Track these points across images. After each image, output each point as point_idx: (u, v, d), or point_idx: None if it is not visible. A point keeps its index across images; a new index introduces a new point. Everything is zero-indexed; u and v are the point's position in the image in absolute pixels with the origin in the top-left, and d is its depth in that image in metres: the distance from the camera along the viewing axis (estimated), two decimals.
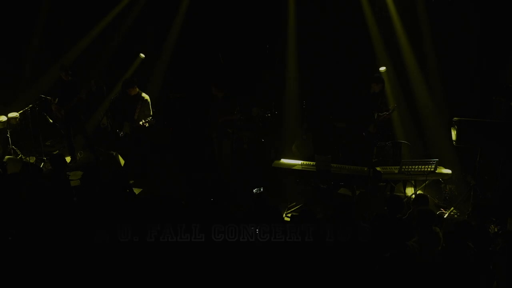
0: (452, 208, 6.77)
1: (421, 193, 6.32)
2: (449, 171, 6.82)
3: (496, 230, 5.60)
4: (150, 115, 7.79)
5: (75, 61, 9.26)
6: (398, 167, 6.70)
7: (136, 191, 6.97)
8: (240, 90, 8.92)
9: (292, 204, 6.87)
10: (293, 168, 7.12)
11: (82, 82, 8.40)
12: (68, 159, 8.07)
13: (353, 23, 8.73)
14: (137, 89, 7.86)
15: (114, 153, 8.08)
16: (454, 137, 6.61)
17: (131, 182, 6.88)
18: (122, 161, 8.12)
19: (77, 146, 8.69)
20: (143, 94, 7.88)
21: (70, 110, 8.16)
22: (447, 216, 6.61)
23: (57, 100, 8.15)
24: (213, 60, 9.44)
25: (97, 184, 5.56)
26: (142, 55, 9.56)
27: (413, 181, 6.93)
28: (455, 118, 6.63)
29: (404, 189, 7.26)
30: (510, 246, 4.45)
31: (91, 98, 9.68)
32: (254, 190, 6.46)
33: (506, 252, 4.44)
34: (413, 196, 6.71)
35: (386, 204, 5.24)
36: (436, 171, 6.66)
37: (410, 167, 6.60)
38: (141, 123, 7.66)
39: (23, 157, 8.07)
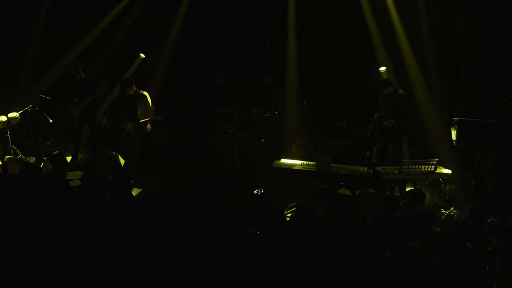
0: (452, 208, 6.77)
1: (414, 189, 6.21)
2: (449, 171, 6.82)
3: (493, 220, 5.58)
4: (152, 110, 7.90)
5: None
6: (398, 167, 6.70)
7: (136, 191, 6.97)
8: (239, 90, 8.94)
9: (292, 204, 6.87)
10: (293, 168, 7.13)
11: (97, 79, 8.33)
12: (68, 158, 8.07)
13: (353, 23, 8.72)
14: (135, 88, 7.94)
15: (114, 153, 8.08)
16: (454, 137, 6.61)
17: (132, 182, 6.88)
18: (122, 161, 8.12)
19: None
20: (141, 91, 7.96)
21: (86, 108, 8.12)
22: (447, 216, 6.61)
23: (76, 98, 8.14)
24: (213, 59, 9.43)
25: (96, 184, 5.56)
26: (142, 55, 9.56)
27: (413, 181, 6.92)
28: (455, 118, 6.63)
29: (404, 189, 7.25)
30: (510, 246, 4.45)
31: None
32: (255, 191, 6.47)
33: (506, 252, 4.44)
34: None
35: (383, 204, 5.24)
36: (436, 171, 6.66)
37: (410, 167, 6.60)
38: (149, 126, 7.76)
39: (23, 157, 8.07)
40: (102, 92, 8.18)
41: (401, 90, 7.41)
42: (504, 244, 4.42)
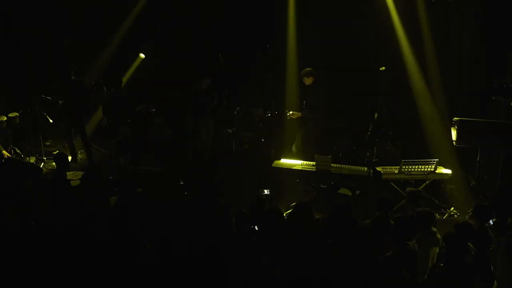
0: (452, 208, 6.78)
1: (412, 189, 6.12)
2: (449, 171, 6.82)
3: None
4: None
5: (75, 61, 9.24)
6: (398, 167, 6.70)
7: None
8: (240, 90, 8.95)
9: (293, 204, 6.86)
10: (293, 168, 7.13)
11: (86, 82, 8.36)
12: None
13: (353, 23, 8.73)
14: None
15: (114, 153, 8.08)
16: (454, 137, 6.61)
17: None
18: (122, 161, 8.11)
19: (77, 146, 8.68)
20: None
21: (73, 109, 8.15)
22: (447, 216, 6.62)
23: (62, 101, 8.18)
24: (213, 59, 9.43)
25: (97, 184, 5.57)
26: (142, 55, 9.54)
27: (413, 181, 6.92)
28: (455, 118, 6.63)
29: (404, 189, 7.25)
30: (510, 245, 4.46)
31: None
32: (261, 191, 6.47)
33: (506, 251, 4.44)
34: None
35: (378, 204, 5.23)
36: (436, 171, 6.67)
37: (410, 167, 6.61)
38: None
39: (23, 157, 8.07)
40: (88, 91, 8.19)
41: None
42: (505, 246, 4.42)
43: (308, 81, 7.81)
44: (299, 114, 7.98)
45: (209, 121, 8.33)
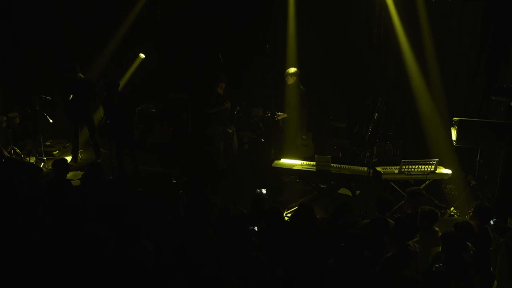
0: (452, 208, 6.78)
1: (412, 188, 6.10)
2: (449, 171, 6.82)
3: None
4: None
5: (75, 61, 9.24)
6: (398, 167, 6.70)
7: None
8: (240, 90, 8.94)
9: (292, 204, 6.88)
10: (293, 168, 7.13)
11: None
12: (68, 158, 8.05)
13: (354, 23, 8.73)
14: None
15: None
16: (454, 137, 6.61)
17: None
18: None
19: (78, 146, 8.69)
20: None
21: (83, 108, 8.15)
22: (447, 216, 6.62)
23: (71, 97, 8.15)
24: (213, 60, 9.42)
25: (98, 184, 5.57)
26: (142, 55, 9.54)
27: (413, 181, 6.92)
28: (455, 118, 6.62)
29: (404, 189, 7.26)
30: (510, 246, 4.46)
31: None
32: (258, 190, 6.47)
33: (506, 252, 4.45)
34: None
35: (375, 204, 5.23)
36: (436, 171, 6.67)
37: (410, 167, 6.62)
38: None
39: (23, 157, 8.08)
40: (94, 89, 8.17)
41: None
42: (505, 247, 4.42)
43: (291, 80, 8.10)
44: (285, 115, 8.29)
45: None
